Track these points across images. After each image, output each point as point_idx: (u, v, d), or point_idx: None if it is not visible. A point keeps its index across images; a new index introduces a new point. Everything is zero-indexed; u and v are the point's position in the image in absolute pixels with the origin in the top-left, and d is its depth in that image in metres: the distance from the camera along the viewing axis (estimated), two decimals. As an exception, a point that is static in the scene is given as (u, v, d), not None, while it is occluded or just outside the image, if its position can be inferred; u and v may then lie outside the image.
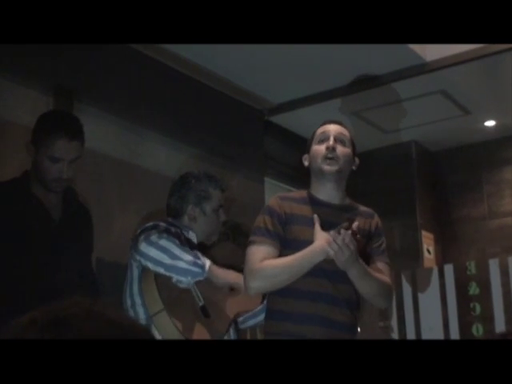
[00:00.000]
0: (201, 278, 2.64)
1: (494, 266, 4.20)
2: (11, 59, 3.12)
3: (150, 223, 2.79)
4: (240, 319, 2.93)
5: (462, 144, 5.33)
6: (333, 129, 2.55)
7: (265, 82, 4.34)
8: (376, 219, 2.60)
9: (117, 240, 3.29)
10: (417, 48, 4.05)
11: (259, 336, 3.64)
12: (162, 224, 2.80)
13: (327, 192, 2.52)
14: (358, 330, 2.55)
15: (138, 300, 2.75)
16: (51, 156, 2.59)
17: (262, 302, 2.85)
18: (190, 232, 2.87)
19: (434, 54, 4.15)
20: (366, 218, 2.57)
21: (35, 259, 2.53)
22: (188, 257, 2.62)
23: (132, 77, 3.72)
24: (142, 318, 2.72)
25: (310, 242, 2.38)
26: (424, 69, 4.20)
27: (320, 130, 2.57)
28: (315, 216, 2.39)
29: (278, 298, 2.47)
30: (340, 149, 2.49)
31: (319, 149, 2.51)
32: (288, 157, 4.75)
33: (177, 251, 2.62)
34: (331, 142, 2.50)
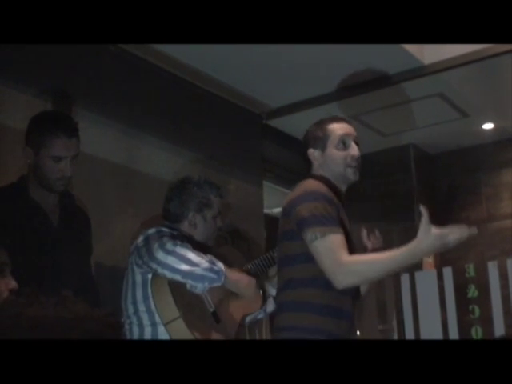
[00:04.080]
0: (218, 284, 2.65)
1: (492, 268, 4.19)
2: (9, 64, 3.12)
3: (153, 229, 2.79)
4: None
5: (460, 147, 5.33)
6: (352, 133, 2.52)
7: (263, 85, 4.34)
8: None
9: (115, 244, 3.29)
10: (415, 51, 4.05)
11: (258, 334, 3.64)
12: (165, 230, 2.80)
13: (340, 191, 2.52)
14: (358, 333, 2.54)
15: (141, 307, 2.73)
16: (53, 156, 2.60)
17: (263, 305, 2.87)
18: (185, 234, 2.88)
19: (432, 57, 4.15)
20: None
21: (34, 263, 2.53)
22: (205, 263, 2.63)
23: (130, 81, 3.72)
24: (146, 323, 2.71)
25: (347, 232, 2.37)
26: (422, 72, 4.21)
27: (339, 132, 2.50)
28: (422, 207, 2.27)
29: (311, 289, 2.35)
30: (359, 158, 2.50)
31: (342, 155, 2.48)
32: (286, 160, 4.75)
33: (193, 258, 2.63)
34: (357, 151, 2.49)
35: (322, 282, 2.29)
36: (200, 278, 2.62)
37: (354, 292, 2.42)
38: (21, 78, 3.20)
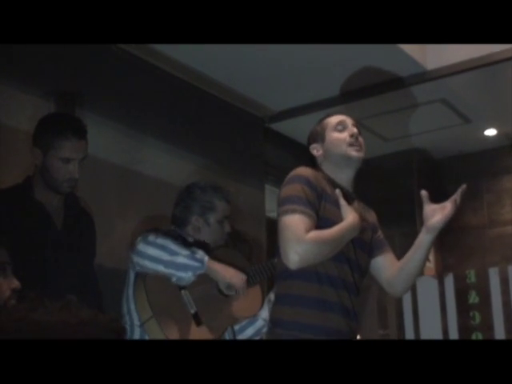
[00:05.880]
0: (202, 272, 2.64)
1: (493, 274, 4.18)
2: (12, 65, 3.13)
3: (151, 228, 2.80)
4: (236, 328, 2.92)
5: (462, 152, 5.34)
6: (348, 119, 2.53)
7: (265, 89, 4.35)
8: (372, 211, 2.63)
9: (117, 246, 3.29)
10: (417, 56, 4.06)
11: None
12: (163, 229, 2.82)
13: (345, 178, 2.47)
14: (358, 337, 2.52)
15: (132, 306, 2.74)
16: (62, 157, 2.61)
17: (261, 307, 2.85)
18: (189, 238, 2.88)
19: (435, 63, 4.15)
20: (368, 209, 2.59)
21: (38, 265, 2.53)
22: (186, 251, 2.64)
23: (133, 83, 3.72)
24: (136, 324, 2.71)
25: (338, 223, 2.31)
26: (425, 77, 4.21)
27: (335, 120, 2.52)
28: (338, 190, 2.34)
29: (299, 282, 2.28)
30: (360, 138, 2.49)
31: (341, 136, 2.47)
32: (288, 164, 4.74)
33: (174, 247, 2.65)
34: (355, 129, 2.48)
35: (301, 272, 2.24)
36: (182, 266, 2.62)
37: (349, 286, 2.34)
38: (23, 79, 3.21)
